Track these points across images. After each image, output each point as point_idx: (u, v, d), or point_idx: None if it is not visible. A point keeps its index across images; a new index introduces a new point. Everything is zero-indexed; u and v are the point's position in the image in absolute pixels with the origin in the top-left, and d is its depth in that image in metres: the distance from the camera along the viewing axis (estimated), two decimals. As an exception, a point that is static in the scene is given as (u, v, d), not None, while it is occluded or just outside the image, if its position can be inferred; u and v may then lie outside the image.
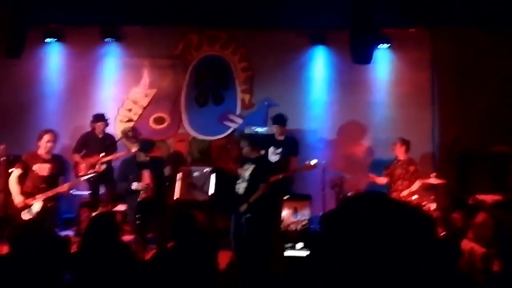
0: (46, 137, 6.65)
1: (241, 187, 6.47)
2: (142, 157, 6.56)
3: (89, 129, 8.27)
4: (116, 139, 8.22)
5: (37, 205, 6.52)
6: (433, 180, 7.39)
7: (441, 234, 6.74)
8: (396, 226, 1.37)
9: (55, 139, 6.72)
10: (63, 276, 3.76)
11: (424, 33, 8.80)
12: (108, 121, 8.33)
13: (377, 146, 8.69)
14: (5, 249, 5.53)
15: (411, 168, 7.51)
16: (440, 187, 7.63)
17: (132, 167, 6.49)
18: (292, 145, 7.56)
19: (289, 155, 7.43)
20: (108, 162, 7.74)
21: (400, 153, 7.58)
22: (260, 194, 6.37)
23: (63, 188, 6.81)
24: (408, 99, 8.79)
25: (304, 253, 6.15)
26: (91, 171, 7.32)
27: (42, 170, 6.60)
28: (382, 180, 7.50)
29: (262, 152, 6.98)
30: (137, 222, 6.45)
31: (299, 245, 6.28)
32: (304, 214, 7.32)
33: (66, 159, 7.32)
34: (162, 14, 8.33)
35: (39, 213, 6.51)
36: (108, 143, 8.03)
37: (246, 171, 6.47)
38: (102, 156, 7.60)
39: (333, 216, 1.48)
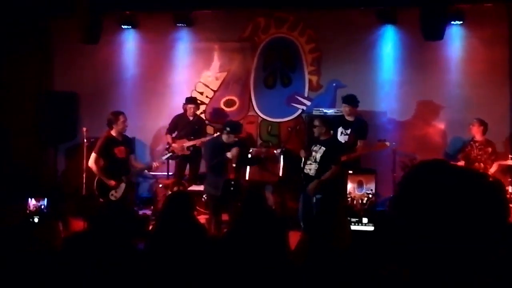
0: (122, 117, 6.97)
1: (312, 168, 6.54)
2: (231, 139, 6.78)
3: (167, 111, 8.70)
4: (206, 123, 8.63)
5: (122, 186, 6.92)
6: (510, 161, 7.14)
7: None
8: (465, 192, 1.34)
9: (127, 118, 7.06)
10: (136, 246, 3.96)
11: (501, 8, 8.38)
12: (199, 104, 8.67)
13: (451, 126, 8.44)
14: (84, 226, 5.95)
15: (489, 150, 7.28)
16: (518, 169, 7.34)
17: (220, 148, 6.70)
18: (361, 128, 7.49)
19: (357, 137, 7.39)
20: (194, 145, 8.12)
21: (477, 133, 7.36)
22: (331, 175, 6.42)
23: (151, 166, 7.23)
24: (483, 78, 8.43)
25: (370, 228, 6.16)
26: (167, 152, 7.73)
27: (121, 152, 6.95)
28: (460, 164, 7.29)
29: (331, 133, 7.00)
30: (214, 203, 6.71)
31: (365, 220, 6.28)
32: (370, 188, 7.28)
33: (133, 138, 7.68)
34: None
35: (124, 193, 6.90)
36: (197, 127, 8.38)
37: (317, 153, 6.52)
38: (189, 139, 7.99)
39: (401, 187, 1.46)
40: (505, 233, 1.36)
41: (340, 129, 7.48)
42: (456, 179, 1.38)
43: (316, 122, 6.70)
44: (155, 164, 7.33)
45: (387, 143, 7.28)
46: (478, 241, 1.32)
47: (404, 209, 1.41)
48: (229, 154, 6.57)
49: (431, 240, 1.34)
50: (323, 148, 6.50)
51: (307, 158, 6.65)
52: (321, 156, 6.48)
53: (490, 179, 1.44)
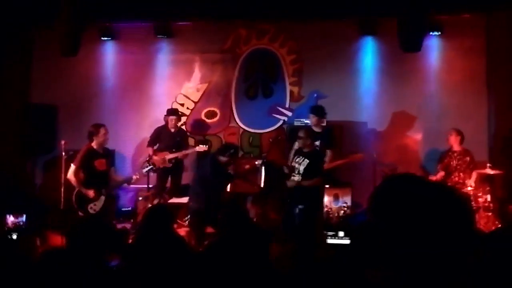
0: (103, 130, 6.91)
1: (295, 180, 6.53)
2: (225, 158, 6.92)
3: (147, 122, 8.64)
4: (188, 134, 8.59)
5: (102, 199, 6.83)
6: (488, 170, 7.21)
7: (497, 226, 6.57)
8: (434, 205, 1.42)
9: (108, 131, 7.00)
10: (109, 263, 3.89)
11: (478, 19, 8.52)
12: (180, 116, 8.64)
13: (429, 136, 8.52)
14: (62, 241, 5.85)
15: (467, 159, 7.36)
16: (496, 178, 7.42)
17: (220, 168, 6.84)
18: (329, 137, 7.51)
19: (326, 148, 7.39)
20: (176, 158, 8.07)
21: (455, 143, 7.43)
22: (313, 183, 6.43)
23: (130, 179, 7.15)
24: (461, 88, 8.54)
25: (346, 241, 6.16)
26: (147, 165, 7.66)
27: (101, 165, 6.87)
28: (439, 175, 7.34)
29: (317, 143, 7.04)
30: (193, 217, 6.67)
31: (341, 233, 6.29)
32: (345, 201, 7.31)
33: (113, 150, 7.63)
34: (211, 9, 8.45)
35: (103, 207, 6.81)
36: (179, 139, 8.32)
37: (301, 165, 6.51)
38: (171, 152, 7.94)
39: (377, 194, 1.53)
40: (470, 238, 1.44)
41: None
42: (424, 191, 1.46)
43: (302, 134, 6.71)
44: (134, 177, 7.26)
45: (362, 154, 7.35)
46: (446, 247, 1.39)
47: (376, 219, 1.48)
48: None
49: (402, 246, 1.41)
50: (307, 161, 6.50)
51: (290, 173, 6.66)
52: (304, 169, 6.48)
53: (455, 191, 1.53)
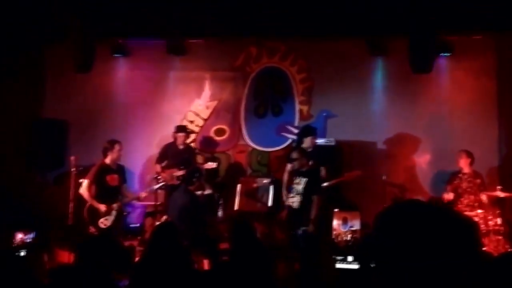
0: (118, 146, 7.04)
1: (295, 200, 6.54)
2: None
3: (157, 139, 8.65)
4: (196, 152, 8.60)
5: (113, 214, 6.88)
6: (499, 193, 7.14)
7: (507, 250, 6.49)
8: (439, 228, 1.45)
9: (122, 147, 7.09)
10: (118, 283, 3.89)
11: (489, 40, 8.52)
12: (189, 133, 8.67)
13: (439, 157, 8.46)
14: (69, 257, 5.85)
15: (478, 181, 7.29)
16: (507, 200, 7.34)
17: None
18: (319, 155, 7.47)
19: (319, 165, 7.36)
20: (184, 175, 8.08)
21: (465, 165, 7.38)
22: (317, 206, 6.41)
23: (139, 196, 7.20)
24: (472, 109, 8.51)
25: (355, 266, 6.11)
26: (160, 181, 7.68)
27: (114, 180, 6.95)
28: (449, 196, 7.27)
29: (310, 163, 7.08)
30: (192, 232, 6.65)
31: (350, 258, 6.24)
32: (354, 224, 7.27)
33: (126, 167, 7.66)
34: (223, 27, 8.52)
35: (114, 222, 6.85)
36: (187, 156, 8.33)
37: (300, 185, 6.52)
38: (179, 169, 7.95)
39: (383, 217, 1.57)
40: (476, 262, 1.47)
41: None
42: (430, 215, 1.49)
43: (295, 155, 6.77)
44: (143, 194, 7.30)
45: (358, 172, 7.33)
46: (453, 271, 1.42)
47: (382, 244, 1.50)
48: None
49: (408, 270, 1.44)
50: (305, 179, 6.51)
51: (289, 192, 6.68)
52: (304, 188, 6.48)
53: (462, 216, 1.55)
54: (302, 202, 6.48)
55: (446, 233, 1.44)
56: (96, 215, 6.81)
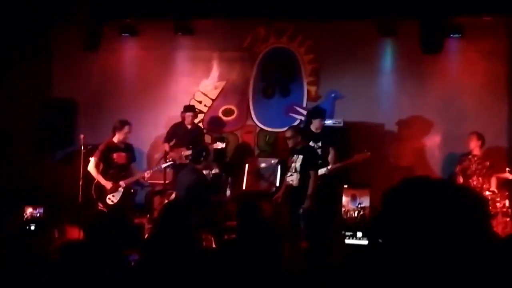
0: (127, 128, 7.13)
1: (294, 179, 6.59)
2: None
3: (165, 119, 8.68)
4: (204, 131, 8.63)
5: (120, 191, 7.00)
6: (508, 175, 7.14)
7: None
8: (448, 203, 1.44)
9: (131, 130, 7.17)
10: (128, 258, 3.93)
11: (500, 21, 8.42)
12: (197, 112, 8.69)
13: (449, 139, 8.43)
14: (79, 234, 5.94)
15: (487, 164, 7.29)
16: (515, 183, 7.34)
17: None
18: (328, 135, 7.50)
19: (328, 146, 7.38)
20: None
21: (475, 147, 7.37)
22: (314, 183, 6.45)
23: (144, 174, 7.29)
24: (482, 91, 8.45)
25: (364, 242, 6.16)
26: (168, 160, 7.75)
27: (121, 158, 7.06)
28: (459, 179, 7.28)
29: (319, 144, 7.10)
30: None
31: (359, 233, 6.29)
32: (363, 201, 7.30)
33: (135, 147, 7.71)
34: (231, 7, 8.47)
35: (121, 199, 6.97)
36: (194, 135, 8.38)
37: (296, 163, 6.57)
38: (188, 148, 7.98)
39: (391, 194, 1.56)
40: (486, 241, 1.46)
41: (311, 143, 7.50)
42: (439, 192, 1.48)
43: (289, 134, 6.80)
44: (147, 173, 7.38)
45: (368, 153, 7.32)
46: (462, 248, 1.41)
47: (391, 222, 1.50)
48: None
49: (417, 248, 1.43)
50: (301, 156, 6.56)
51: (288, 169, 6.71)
52: (300, 165, 6.53)
53: (472, 192, 1.55)
54: (300, 180, 6.52)
55: (456, 213, 1.42)
56: (103, 192, 6.95)
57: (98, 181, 6.99)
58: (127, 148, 7.24)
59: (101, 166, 7.06)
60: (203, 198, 6.68)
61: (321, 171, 7.09)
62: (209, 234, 6.49)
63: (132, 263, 3.95)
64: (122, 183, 7.01)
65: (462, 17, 8.21)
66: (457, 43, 8.51)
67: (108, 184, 6.94)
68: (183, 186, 6.73)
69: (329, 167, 7.23)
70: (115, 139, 7.13)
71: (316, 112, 7.75)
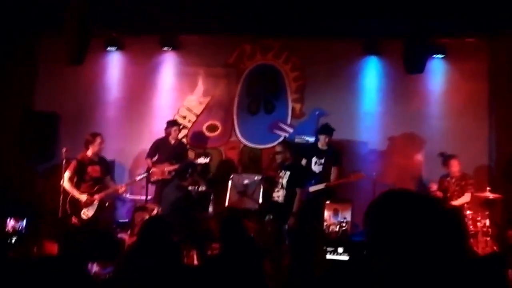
0: (99, 139, 7.09)
1: (280, 195, 6.57)
2: None
3: (148, 134, 8.62)
4: (188, 147, 8.59)
5: (95, 205, 6.92)
6: (488, 194, 7.20)
7: (493, 250, 6.54)
8: (426, 216, 1.48)
9: (104, 140, 7.14)
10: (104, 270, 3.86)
11: (481, 43, 8.58)
12: (181, 127, 8.66)
13: (430, 158, 8.50)
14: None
15: (463, 183, 7.36)
16: (496, 202, 7.40)
17: None
18: (335, 155, 7.57)
19: (331, 165, 7.44)
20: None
21: (456, 169, 7.43)
22: (299, 201, 6.43)
23: (120, 187, 7.22)
24: (463, 111, 8.57)
25: (345, 257, 6.15)
26: (143, 173, 7.71)
27: (95, 172, 6.99)
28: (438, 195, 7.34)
29: (303, 162, 7.09)
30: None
31: (340, 249, 6.28)
32: (345, 216, 7.32)
33: (112, 161, 7.67)
34: (217, 23, 8.51)
35: (96, 213, 6.89)
36: (178, 151, 8.33)
37: (283, 179, 6.56)
38: (171, 164, 7.92)
39: (372, 207, 1.61)
40: (463, 253, 1.49)
41: (314, 159, 7.54)
42: (418, 205, 1.51)
43: (278, 148, 6.79)
44: (122, 187, 7.30)
45: (362, 174, 7.38)
46: (435, 262, 1.43)
47: (373, 234, 1.53)
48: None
49: (395, 260, 1.46)
50: (288, 173, 6.54)
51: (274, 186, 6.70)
52: (287, 181, 6.52)
53: (449, 206, 1.60)
54: (286, 196, 6.50)
55: (432, 226, 1.45)
56: (78, 206, 6.89)
57: (72, 196, 6.91)
58: (101, 161, 7.21)
59: (74, 180, 7.00)
60: (187, 214, 6.63)
61: (319, 187, 7.11)
62: (191, 250, 6.42)
63: (107, 276, 3.89)
64: (96, 196, 6.94)
65: (445, 38, 8.35)
66: (440, 63, 8.65)
67: (83, 198, 6.87)
68: (169, 203, 6.67)
69: (325, 184, 7.26)
70: (89, 153, 7.10)
71: (323, 129, 7.82)
